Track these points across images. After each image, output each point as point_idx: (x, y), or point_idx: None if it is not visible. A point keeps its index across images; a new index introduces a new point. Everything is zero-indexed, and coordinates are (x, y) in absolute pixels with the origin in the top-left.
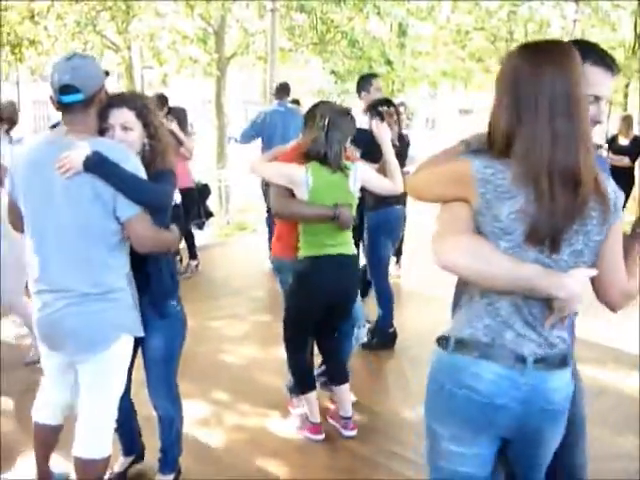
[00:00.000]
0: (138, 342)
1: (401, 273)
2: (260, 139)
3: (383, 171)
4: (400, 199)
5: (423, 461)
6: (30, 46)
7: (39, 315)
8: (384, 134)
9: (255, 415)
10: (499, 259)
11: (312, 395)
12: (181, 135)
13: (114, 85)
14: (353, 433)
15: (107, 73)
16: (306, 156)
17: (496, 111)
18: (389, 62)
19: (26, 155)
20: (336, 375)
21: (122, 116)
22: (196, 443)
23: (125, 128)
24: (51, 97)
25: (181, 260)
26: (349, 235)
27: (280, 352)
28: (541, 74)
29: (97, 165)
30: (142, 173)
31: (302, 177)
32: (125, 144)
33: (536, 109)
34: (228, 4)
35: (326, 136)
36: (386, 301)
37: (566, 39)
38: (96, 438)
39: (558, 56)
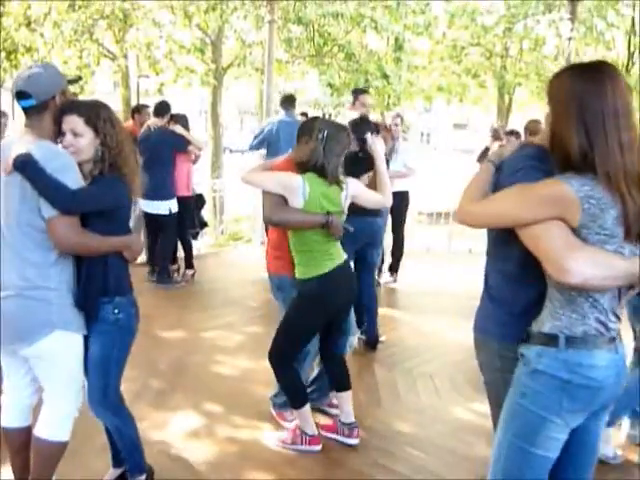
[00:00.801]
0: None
1: (389, 286)
2: (265, 149)
3: (372, 184)
4: (371, 211)
5: (413, 474)
6: (26, 53)
7: None
8: (378, 148)
9: (247, 427)
10: (617, 262)
11: (307, 408)
12: (186, 134)
13: (110, 93)
14: (357, 441)
15: (79, 78)
16: (302, 166)
17: (565, 132)
18: (385, 76)
19: None
20: (340, 382)
21: (72, 122)
22: (187, 455)
23: (75, 134)
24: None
25: (178, 270)
26: (339, 244)
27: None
28: (605, 92)
29: (21, 165)
30: (68, 176)
31: (299, 185)
32: (73, 149)
33: (604, 125)
34: (226, 15)
35: (324, 149)
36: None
37: (561, 57)
38: (53, 422)
39: (613, 74)
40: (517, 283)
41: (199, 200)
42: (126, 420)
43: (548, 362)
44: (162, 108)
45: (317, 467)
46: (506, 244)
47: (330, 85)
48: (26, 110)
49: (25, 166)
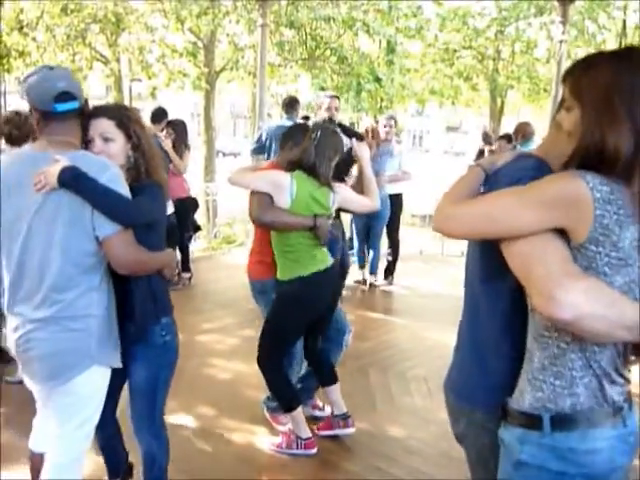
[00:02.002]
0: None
1: (382, 289)
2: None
3: (359, 188)
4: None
5: (408, 477)
6: (19, 57)
7: (13, 337)
8: (364, 153)
9: (241, 431)
10: (626, 305)
11: (299, 412)
12: (171, 153)
13: (102, 97)
14: (354, 429)
15: None
16: (293, 165)
17: (608, 134)
18: (378, 79)
19: (1, 173)
20: (327, 377)
21: (101, 126)
22: (181, 458)
23: (105, 139)
24: (35, 107)
25: (179, 274)
26: (324, 248)
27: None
28: None
29: (72, 180)
30: (122, 187)
31: (287, 183)
32: (105, 155)
33: None
34: (218, 19)
35: (316, 149)
36: None
37: (552, 60)
38: (63, 467)
39: None
40: (510, 322)
41: (193, 204)
42: (163, 446)
43: (532, 450)
44: (158, 115)
45: (311, 470)
46: (498, 274)
47: (322, 88)
48: (61, 115)
49: (77, 180)
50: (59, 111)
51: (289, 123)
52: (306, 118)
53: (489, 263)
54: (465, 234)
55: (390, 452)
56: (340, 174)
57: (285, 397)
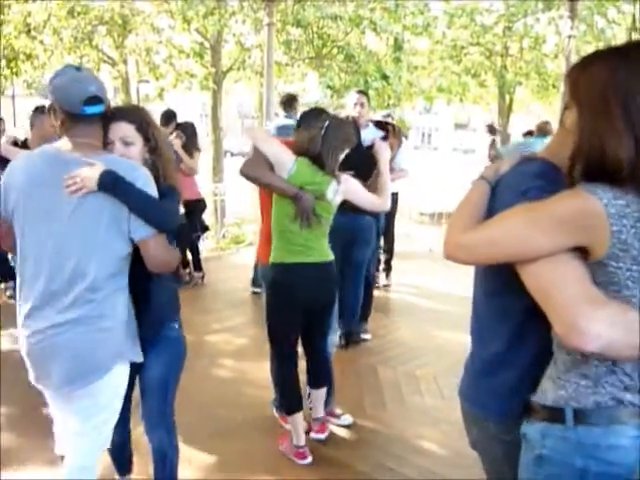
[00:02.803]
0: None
1: (392, 287)
2: None
3: (373, 188)
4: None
5: (419, 476)
6: (26, 60)
7: (31, 342)
8: (383, 151)
9: (248, 430)
10: None
11: (298, 416)
12: (181, 152)
13: (111, 99)
14: (325, 435)
15: None
16: (300, 153)
17: (605, 136)
18: (385, 77)
19: (26, 172)
20: (319, 377)
21: (121, 130)
22: (189, 457)
23: (126, 143)
24: (56, 108)
25: (190, 273)
26: (323, 242)
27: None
28: None
29: (112, 184)
30: (153, 189)
31: (288, 165)
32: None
33: None
34: (225, 19)
35: (323, 138)
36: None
37: (561, 56)
38: (86, 465)
39: None
40: (517, 337)
41: (201, 204)
42: (173, 442)
43: (555, 444)
44: (168, 117)
45: (320, 470)
46: (504, 289)
47: (330, 87)
48: (87, 117)
49: (116, 184)
50: (87, 114)
51: (288, 122)
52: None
53: (493, 281)
54: (477, 262)
55: (401, 452)
56: (367, 166)
57: (284, 398)
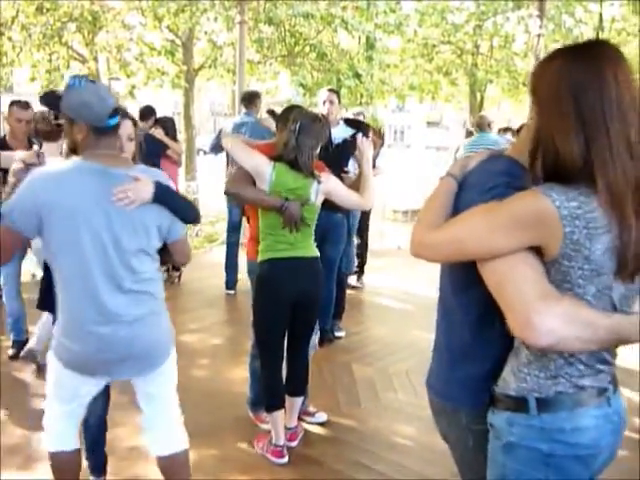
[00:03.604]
0: None
1: (364, 288)
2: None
3: (356, 186)
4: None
5: (393, 472)
6: None
7: (93, 347)
8: (365, 149)
9: (223, 430)
10: (601, 321)
11: (279, 414)
12: (166, 139)
13: None
14: (295, 443)
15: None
16: (276, 159)
17: (558, 134)
18: (357, 75)
19: (67, 188)
20: (298, 385)
21: (127, 127)
22: None
23: (130, 139)
24: (78, 123)
25: (168, 270)
26: (308, 237)
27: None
28: (606, 80)
29: (165, 196)
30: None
31: (267, 171)
32: (128, 154)
33: (605, 122)
34: (196, 17)
35: (297, 141)
36: None
37: (530, 54)
38: (173, 433)
39: (614, 55)
40: (484, 330)
41: None
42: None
43: (521, 431)
44: (146, 113)
45: (295, 469)
46: (468, 285)
47: (302, 85)
48: (109, 129)
49: (167, 195)
50: (111, 126)
51: (247, 119)
52: (271, 112)
53: (459, 275)
54: (441, 261)
55: (375, 448)
56: (336, 164)
57: (268, 395)
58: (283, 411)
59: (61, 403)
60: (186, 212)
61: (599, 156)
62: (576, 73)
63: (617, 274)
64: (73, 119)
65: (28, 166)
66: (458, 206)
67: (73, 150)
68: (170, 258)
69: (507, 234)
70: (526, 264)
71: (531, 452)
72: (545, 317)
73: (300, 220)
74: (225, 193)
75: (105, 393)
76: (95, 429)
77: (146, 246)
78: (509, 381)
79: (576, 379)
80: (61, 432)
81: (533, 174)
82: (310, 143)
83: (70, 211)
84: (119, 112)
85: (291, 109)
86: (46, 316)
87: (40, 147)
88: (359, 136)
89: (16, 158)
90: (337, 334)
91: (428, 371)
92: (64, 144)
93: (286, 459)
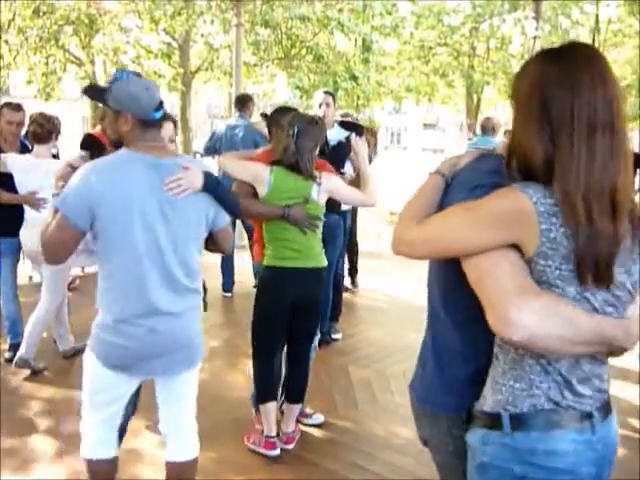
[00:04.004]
0: None
1: (360, 288)
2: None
3: (356, 184)
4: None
5: (389, 473)
6: None
7: (138, 341)
8: (360, 149)
9: (223, 433)
10: (581, 318)
11: (271, 405)
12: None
13: (78, 99)
14: (291, 446)
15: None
16: (275, 163)
17: (524, 133)
18: (354, 77)
19: (122, 180)
20: (298, 392)
21: (169, 129)
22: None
23: (171, 140)
24: (125, 116)
25: None
26: (315, 247)
27: (247, 368)
28: (577, 82)
29: (213, 185)
30: None
31: (265, 176)
32: None
33: (572, 124)
34: (192, 19)
35: (296, 145)
36: None
37: (527, 56)
38: (189, 441)
39: (591, 56)
40: (471, 331)
41: None
42: None
43: (494, 451)
44: None
45: (291, 469)
46: (456, 286)
47: (299, 87)
48: (156, 122)
49: (216, 184)
50: (156, 119)
51: (240, 122)
52: (264, 116)
53: (446, 276)
54: (421, 257)
55: (371, 449)
56: (332, 166)
57: (259, 386)
58: (275, 403)
59: (99, 408)
60: (231, 202)
61: (560, 161)
62: (548, 75)
63: (580, 281)
64: (119, 111)
65: (75, 170)
66: (444, 205)
67: (116, 143)
68: (214, 247)
69: (485, 231)
70: (506, 258)
71: (503, 473)
72: (522, 312)
73: (308, 219)
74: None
75: (135, 397)
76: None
77: (196, 235)
78: (487, 396)
79: (553, 393)
80: (99, 439)
81: (509, 174)
82: (309, 146)
83: (124, 202)
84: (163, 105)
85: (282, 111)
86: (32, 323)
87: (31, 149)
88: (353, 136)
89: (62, 163)
90: (334, 336)
91: (412, 375)
92: (53, 147)
93: (278, 451)
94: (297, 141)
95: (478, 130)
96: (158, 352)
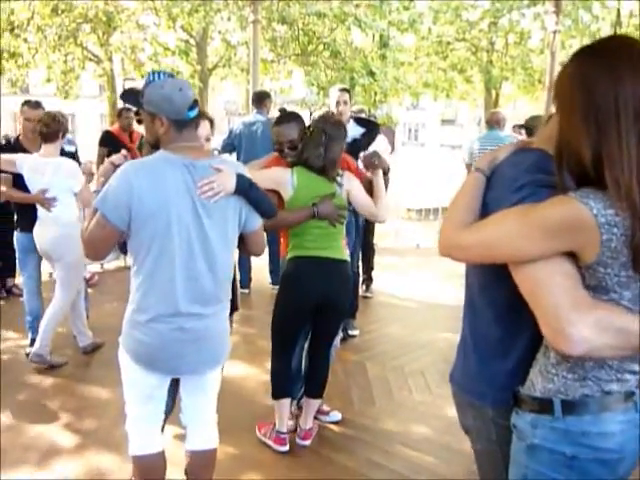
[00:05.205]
0: None
1: (372, 297)
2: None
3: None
4: None
5: (408, 471)
6: (10, 58)
7: (164, 338)
8: (379, 166)
9: (240, 428)
10: (634, 326)
11: (285, 402)
12: None
13: (96, 96)
14: (308, 442)
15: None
16: (297, 164)
17: (572, 132)
18: (371, 73)
19: (158, 182)
20: (318, 387)
21: (206, 128)
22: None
23: (208, 139)
24: (160, 118)
25: None
26: (337, 239)
27: (266, 365)
28: (620, 73)
29: (246, 187)
30: None
31: (287, 177)
32: None
33: (618, 116)
34: (210, 16)
35: (325, 151)
36: None
37: (546, 51)
38: (210, 432)
39: (633, 49)
40: (511, 325)
41: None
42: None
43: (545, 434)
44: None
45: (308, 466)
46: (496, 281)
47: (316, 84)
48: (190, 121)
49: (249, 187)
50: (191, 118)
51: (258, 118)
52: (283, 111)
53: (486, 271)
54: (471, 262)
55: (389, 447)
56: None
57: (275, 382)
58: (289, 400)
59: (137, 404)
60: (264, 205)
61: (608, 152)
62: (589, 70)
63: (634, 268)
64: (154, 113)
65: (117, 167)
66: (487, 202)
67: (154, 145)
68: (245, 249)
69: (541, 241)
70: (561, 269)
71: (554, 455)
72: (578, 327)
73: (337, 212)
74: (265, 230)
75: (171, 399)
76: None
77: (228, 238)
78: (535, 382)
79: (604, 383)
80: (143, 435)
81: (561, 178)
82: (337, 150)
83: (159, 204)
84: (198, 103)
85: (316, 120)
86: (46, 319)
87: (40, 147)
88: (372, 151)
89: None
90: (351, 332)
91: (452, 366)
92: (70, 144)
93: (287, 447)
94: (327, 146)
95: (484, 124)
96: (184, 351)
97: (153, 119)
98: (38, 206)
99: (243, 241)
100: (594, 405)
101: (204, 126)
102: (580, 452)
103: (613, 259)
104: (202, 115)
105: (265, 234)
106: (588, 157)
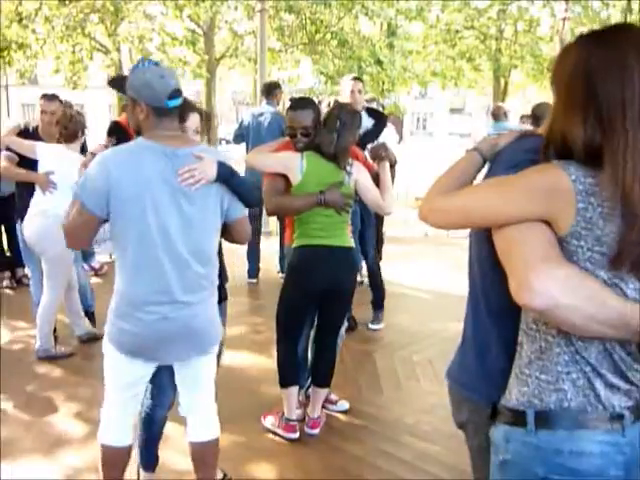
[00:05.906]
0: None
1: (395, 272)
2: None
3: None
4: None
5: (416, 460)
6: (18, 49)
7: (158, 323)
8: (386, 160)
9: (248, 417)
10: (611, 300)
11: (292, 390)
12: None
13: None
14: (317, 431)
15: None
16: (307, 148)
17: (566, 119)
18: (379, 62)
19: (137, 168)
20: (325, 376)
21: (195, 120)
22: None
23: (197, 132)
24: (140, 104)
25: None
26: (343, 227)
27: (274, 355)
28: (627, 66)
29: (227, 176)
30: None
31: (297, 162)
32: None
33: (624, 110)
34: (217, 6)
35: (338, 138)
36: None
37: (556, 38)
38: (209, 422)
39: None
40: (509, 322)
41: None
42: None
43: (517, 448)
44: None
45: (317, 455)
46: (494, 271)
47: (323, 73)
48: (171, 111)
49: (230, 174)
50: (170, 107)
51: (267, 109)
52: (293, 100)
53: (486, 264)
54: (447, 226)
55: (397, 436)
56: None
57: (282, 370)
58: (297, 387)
59: (115, 391)
60: (247, 193)
61: (610, 146)
62: (593, 60)
63: (613, 263)
64: (135, 99)
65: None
66: None
67: (137, 131)
68: (230, 237)
69: (520, 202)
70: (536, 231)
71: (525, 474)
72: (542, 278)
73: (344, 200)
74: (268, 213)
75: (172, 388)
76: (158, 424)
77: (211, 225)
78: (512, 388)
79: (582, 383)
80: (115, 426)
81: (544, 155)
82: (350, 139)
83: (136, 190)
84: (181, 94)
85: (332, 108)
86: (39, 315)
87: (57, 141)
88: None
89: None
90: (373, 327)
91: (451, 361)
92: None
93: (297, 434)
94: (339, 136)
95: (490, 117)
96: (169, 339)
97: (134, 104)
98: (33, 199)
99: (227, 230)
100: (569, 419)
101: (193, 119)
102: (552, 472)
103: (587, 230)
104: (192, 108)
105: (278, 222)
106: (579, 148)
